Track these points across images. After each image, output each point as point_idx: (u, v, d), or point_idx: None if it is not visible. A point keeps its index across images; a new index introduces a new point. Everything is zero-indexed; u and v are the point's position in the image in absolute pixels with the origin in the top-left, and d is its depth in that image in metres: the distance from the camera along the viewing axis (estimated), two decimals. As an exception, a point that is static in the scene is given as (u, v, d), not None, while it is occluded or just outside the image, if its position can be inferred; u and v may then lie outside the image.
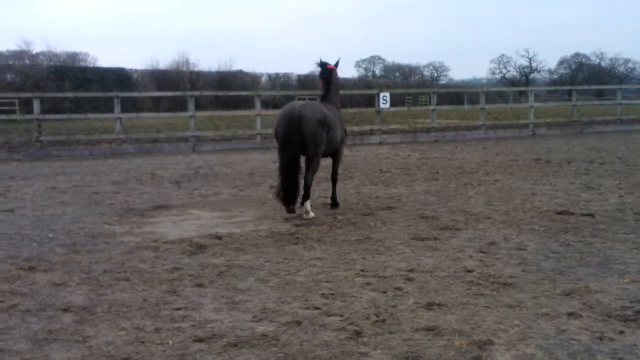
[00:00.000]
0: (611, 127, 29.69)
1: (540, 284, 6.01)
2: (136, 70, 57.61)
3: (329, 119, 9.62)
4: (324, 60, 10.72)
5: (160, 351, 4.55)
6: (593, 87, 57.60)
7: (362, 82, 75.63)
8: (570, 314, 5.12)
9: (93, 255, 7.36)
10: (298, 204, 9.63)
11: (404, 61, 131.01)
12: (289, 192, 9.24)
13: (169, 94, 33.30)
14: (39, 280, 6.36)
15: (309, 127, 9.22)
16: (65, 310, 5.46)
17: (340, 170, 10.78)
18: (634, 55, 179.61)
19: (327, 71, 10.65)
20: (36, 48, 60.71)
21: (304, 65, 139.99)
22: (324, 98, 10.52)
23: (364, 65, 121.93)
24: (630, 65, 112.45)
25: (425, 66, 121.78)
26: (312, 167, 9.54)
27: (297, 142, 9.20)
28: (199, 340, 4.73)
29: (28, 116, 23.95)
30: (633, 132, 27.91)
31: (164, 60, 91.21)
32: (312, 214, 9.43)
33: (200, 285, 6.14)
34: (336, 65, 10.90)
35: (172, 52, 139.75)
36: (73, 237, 8.37)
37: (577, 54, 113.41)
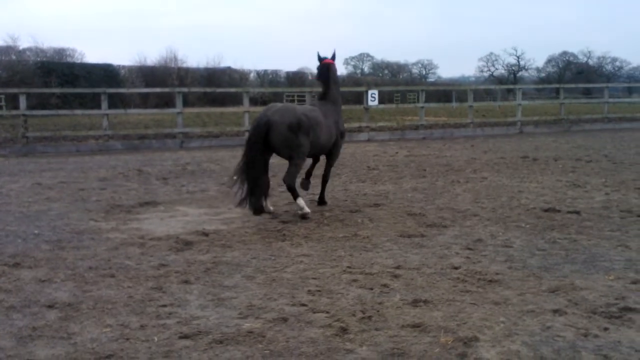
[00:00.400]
0: (598, 125, 29.84)
1: (526, 280, 6.03)
2: (124, 67, 57.41)
3: (308, 122, 9.21)
4: (321, 55, 10.44)
5: (146, 348, 4.53)
6: (580, 85, 57.73)
7: (350, 80, 75.56)
8: (555, 311, 5.14)
9: (78, 251, 7.33)
10: (269, 205, 9.63)
11: (393, 59, 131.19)
12: (253, 196, 9.01)
13: (157, 90, 33.41)
14: (24, 276, 6.32)
15: (277, 132, 9.03)
16: (50, 306, 5.43)
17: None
18: (621, 54, 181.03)
19: (324, 67, 10.27)
20: (23, 44, 60.18)
21: (293, 62, 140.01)
22: (323, 97, 10.18)
23: (352, 63, 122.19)
24: (617, 64, 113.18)
25: (413, 64, 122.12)
26: (288, 169, 9.31)
27: (260, 147, 9.00)
28: (185, 336, 4.71)
29: (14, 112, 23.75)
30: (620, 130, 28.08)
31: (152, 56, 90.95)
32: (307, 210, 9.25)
33: (186, 282, 6.13)
34: (333, 58, 10.47)
35: (160, 49, 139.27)
36: (59, 233, 8.33)
37: (564, 53, 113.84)
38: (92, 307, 5.40)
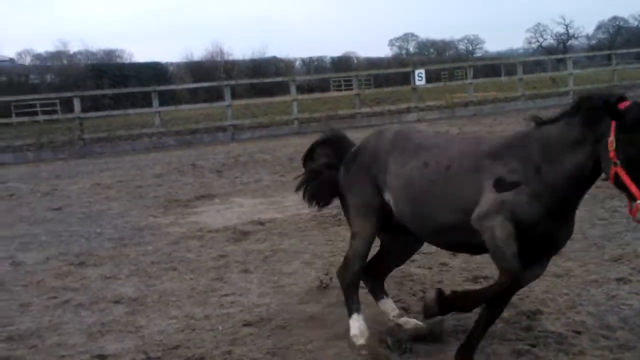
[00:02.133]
0: (654, 89, 29.01)
1: (588, 251, 5.94)
2: (172, 64, 58.12)
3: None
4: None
5: (211, 337, 4.62)
6: (633, 50, 56.09)
7: (396, 61, 74.97)
8: (619, 280, 5.06)
9: (140, 247, 7.49)
10: None
11: (438, 37, 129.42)
12: None
13: (205, 84, 33.50)
14: (90, 274, 6.50)
15: None
16: (117, 302, 5.58)
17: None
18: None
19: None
20: (73, 48, 61.65)
21: (337, 47, 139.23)
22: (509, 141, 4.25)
23: (397, 44, 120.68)
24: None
25: (459, 40, 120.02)
26: None
27: None
28: (248, 324, 4.80)
29: (69, 115, 24.33)
30: (677, 92, 27.22)
31: (199, 51, 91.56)
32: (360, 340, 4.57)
33: (246, 271, 6.22)
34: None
35: (206, 43, 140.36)
36: (120, 231, 8.52)
37: (614, 18, 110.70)
38: (157, 301, 5.53)
